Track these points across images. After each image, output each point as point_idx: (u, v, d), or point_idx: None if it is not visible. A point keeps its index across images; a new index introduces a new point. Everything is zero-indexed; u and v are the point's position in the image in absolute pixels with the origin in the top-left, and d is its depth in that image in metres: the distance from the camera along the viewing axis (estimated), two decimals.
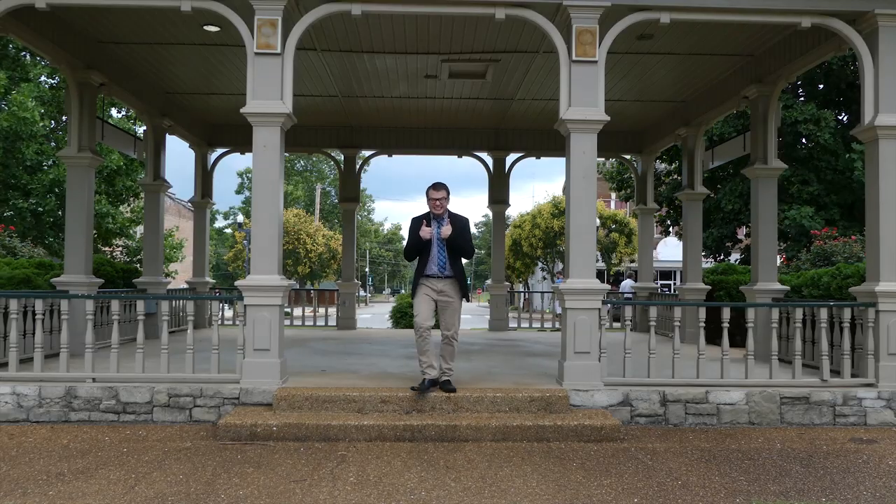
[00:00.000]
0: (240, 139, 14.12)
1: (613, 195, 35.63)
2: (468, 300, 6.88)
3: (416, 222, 6.94)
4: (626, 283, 22.88)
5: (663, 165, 21.96)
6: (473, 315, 35.55)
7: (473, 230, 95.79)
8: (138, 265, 18.66)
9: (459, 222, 6.88)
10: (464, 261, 7.08)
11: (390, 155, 15.12)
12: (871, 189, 7.50)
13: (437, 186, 6.91)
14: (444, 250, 6.83)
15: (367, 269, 69.91)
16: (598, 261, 34.61)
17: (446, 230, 6.76)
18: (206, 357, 7.52)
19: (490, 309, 15.77)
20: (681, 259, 13.28)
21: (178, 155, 31.91)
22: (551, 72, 10.43)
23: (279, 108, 7.16)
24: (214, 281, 15.95)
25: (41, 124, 18.42)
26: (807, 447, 6.40)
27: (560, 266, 37.14)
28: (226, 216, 61.90)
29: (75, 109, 9.28)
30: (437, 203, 6.88)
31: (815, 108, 17.13)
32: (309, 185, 58.95)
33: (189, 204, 23.01)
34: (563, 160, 10.74)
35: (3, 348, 7.71)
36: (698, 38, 9.15)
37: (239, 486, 5.05)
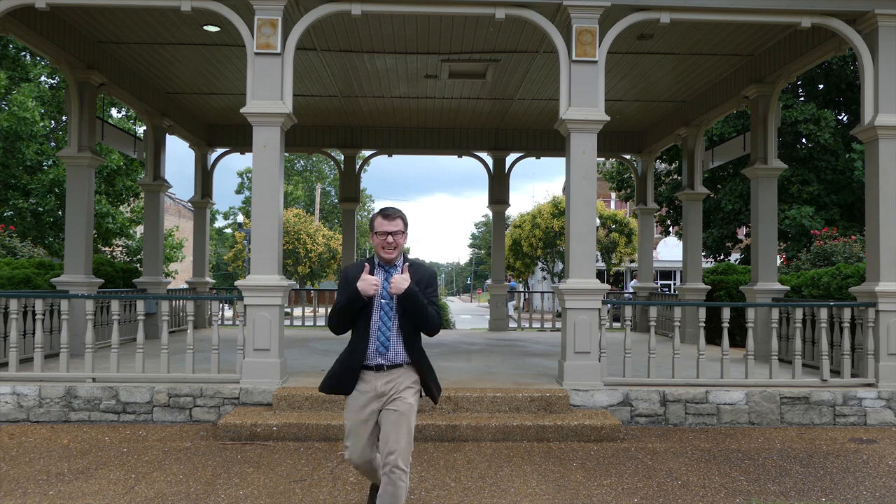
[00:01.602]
0: (240, 139, 14.13)
1: (613, 195, 35.65)
2: (435, 401, 4.12)
3: (354, 271, 3.96)
4: (635, 284, 22.85)
5: (663, 165, 21.96)
6: (473, 315, 35.52)
7: (473, 230, 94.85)
8: (138, 265, 18.67)
9: (424, 274, 4.00)
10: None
11: (390, 155, 15.12)
12: (871, 189, 7.50)
13: (390, 214, 3.97)
14: (394, 319, 3.94)
15: None
16: (598, 261, 34.61)
17: (399, 281, 3.83)
18: (206, 357, 7.52)
19: (490, 309, 15.78)
20: (681, 259, 13.28)
21: (178, 155, 32.02)
22: (551, 72, 10.43)
23: (279, 108, 7.16)
24: (214, 281, 15.93)
25: (41, 124, 18.41)
26: (807, 447, 6.40)
27: (560, 266, 37.12)
28: (226, 216, 61.88)
29: (75, 109, 9.28)
30: (389, 241, 3.93)
31: (815, 108, 17.13)
32: (309, 185, 58.95)
33: (189, 204, 23.02)
34: (563, 160, 10.76)
35: (3, 348, 7.70)
36: (698, 38, 9.15)
37: (239, 486, 5.05)
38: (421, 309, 3.86)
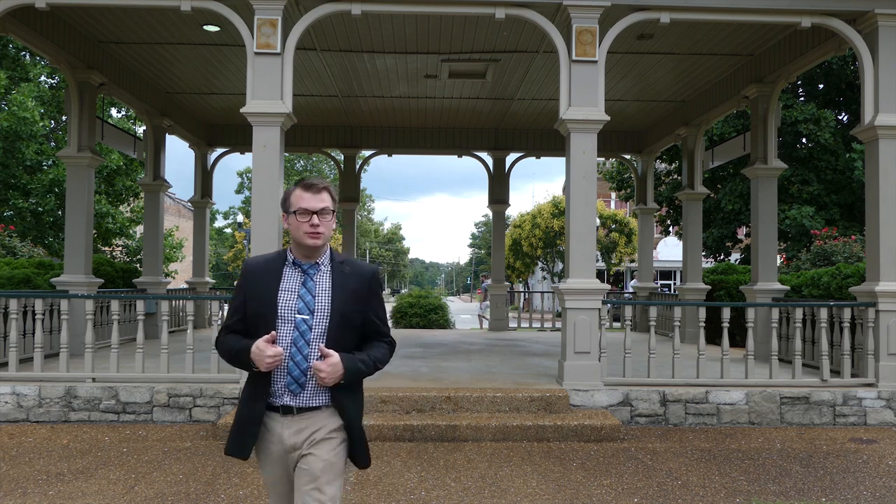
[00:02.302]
0: (240, 139, 14.13)
1: (613, 195, 35.65)
2: (359, 466, 2.78)
3: (256, 270, 2.76)
4: (635, 283, 22.85)
5: (663, 165, 21.95)
6: (473, 315, 35.51)
7: (473, 230, 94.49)
8: (138, 265, 18.65)
9: (363, 277, 2.78)
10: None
11: (390, 155, 15.12)
12: (871, 189, 7.50)
13: (314, 185, 2.75)
14: (314, 343, 2.68)
15: None
16: (598, 261, 34.62)
17: (327, 372, 2.60)
18: (206, 357, 7.52)
19: (490, 309, 15.77)
20: (681, 259, 13.28)
21: (178, 155, 32.05)
22: (551, 72, 10.43)
23: (279, 107, 7.16)
24: (214, 281, 15.94)
25: (41, 124, 18.41)
26: (807, 447, 6.40)
27: (560, 266, 37.14)
28: (226, 216, 61.87)
29: (75, 109, 9.28)
30: (314, 224, 2.70)
31: (815, 107, 17.12)
32: None
33: (189, 204, 23.00)
34: (563, 160, 10.76)
35: (3, 348, 7.70)
36: (698, 38, 9.15)
37: (239, 486, 5.04)
38: (359, 317, 2.71)
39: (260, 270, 2.72)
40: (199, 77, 11.11)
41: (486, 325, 21.41)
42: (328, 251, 2.76)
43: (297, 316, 2.64)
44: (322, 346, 2.61)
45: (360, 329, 2.74)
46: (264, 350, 2.54)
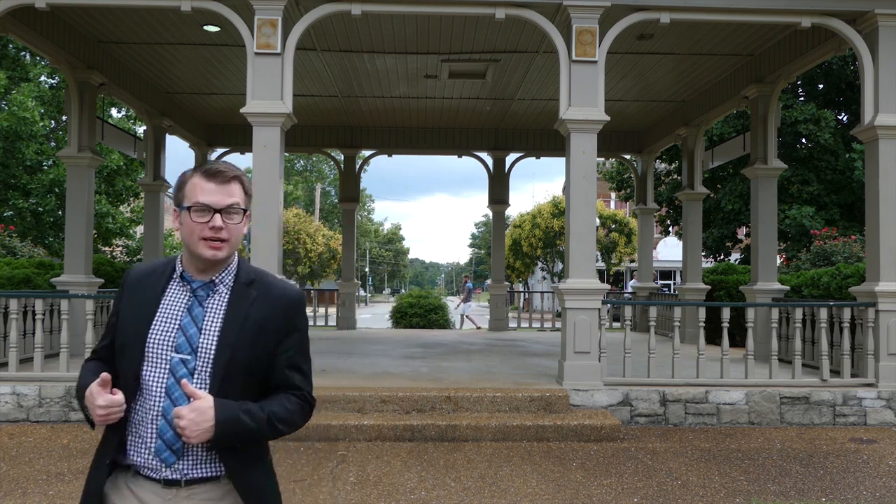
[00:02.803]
0: (240, 139, 14.13)
1: (613, 195, 35.63)
2: None
3: (135, 284, 1.98)
4: (635, 283, 22.89)
5: (663, 165, 21.95)
6: (473, 315, 35.52)
7: (473, 230, 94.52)
8: None
9: (278, 301, 1.96)
10: None
11: (390, 155, 15.13)
12: (871, 189, 7.50)
13: (221, 172, 1.91)
14: (199, 389, 1.85)
15: (366, 269, 69.92)
16: (598, 261, 34.62)
17: (190, 423, 1.78)
18: None
19: (490, 309, 15.78)
20: (681, 259, 13.29)
21: (178, 155, 31.92)
22: (551, 72, 10.43)
23: (279, 108, 7.16)
24: None
25: (41, 124, 18.42)
26: (807, 447, 6.40)
27: (560, 266, 37.14)
28: None
29: (75, 109, 9.29)
30: (217, 227, 1.88)
31: (815, 108, 17.13)
32: (309, 185, 58.96)
33: None
34: (563, 160, 10.75)
35: (3, 348, 7.70)
36: (698, 38, 9.15)
37: None
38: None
39: (140, 284, 1.95)
40: (199, 77, 11.11)
41: (467, 325, 21.41)
42: (234, 264, 1.96)
43: (173, 355, 1.85)
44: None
45: (264, 379, 1.94)
46: (95, 397, 1.79)
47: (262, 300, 1.93)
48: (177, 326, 1.88)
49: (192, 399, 1.81)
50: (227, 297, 1.92)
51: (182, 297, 1.92)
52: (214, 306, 1.91)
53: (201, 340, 1.87)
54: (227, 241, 1.89)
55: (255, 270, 2.00)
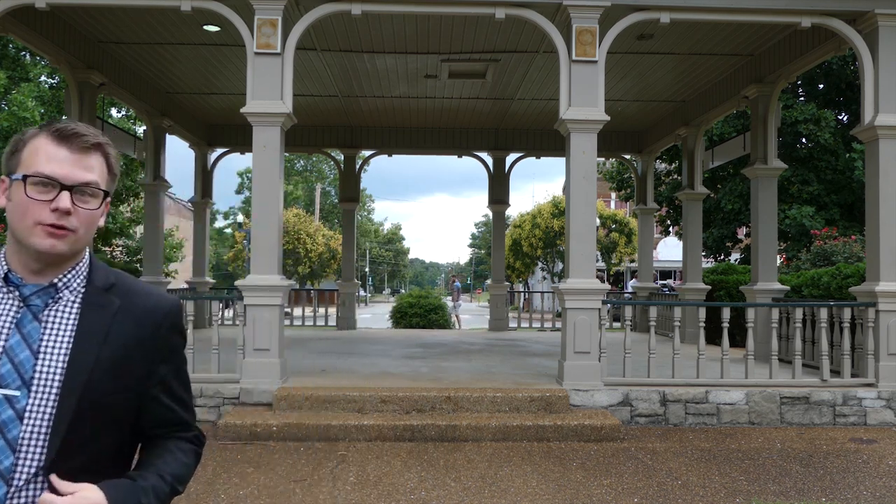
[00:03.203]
0: (240, 139, 14.13)
1: (613, 195, 35.63)
2: None
3: None
4: (635, 283, 22.91)
5: (663, 165, 21.95)
6: (473, 315, 35.55)
7: (473, 230, 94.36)
8: (138, 265, 18.68)
9: (147, 313, 1.46)
10: None
11: (390, 155, 15.13)
12: (871, 189, 7.50)
13: (77, 138, 1.38)
14: (20, 436, 1.31)
15: (367, 269, 69.93)
16: (598, 261, 34.61)
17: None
18: (207, 357, 7.51)
19: (490, 309, 15.77)
20: (681, 259, 13.29)
21: (178, 155, 31.86)
22: (551, 72, 10.43)
23: (279, 107, 7.16)
24: (214, 281, 15.96)
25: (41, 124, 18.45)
26: (807, 447, 6.40)
27: (560, 266, 37.14)
28: (226, 216, 61.89)
29: (75, 109, 9.29)
30: (60, 208, 1.35)
31: (815, 108, 17.13)
32: (309, 185, 58.99)
33: (189, 204, 23.02)
34: (563, 160, 10.75)
35: None
36: (698, 38, 9.15)
37: (239, 486, 5.05)
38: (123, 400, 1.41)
39: None
40: (199, 77, 11.11)
41: (465, 324, 21.43)
42: (85, 263, 1.45)
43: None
44: (50, 474, 1.30)
45: (132, 421, 1.45)
46: None
47: (127, 313, 1.43)
48: (22, 329, 1.36)
49: (61, 494, 1.26)
50: (76, 306, 1.40)
51: (6, 307, 1.37)
52: (57, 320, 1.38)
53: (39, 369, 1.33)
54: (74, 232, 1.37)
55: (115, 272, 1.48)
